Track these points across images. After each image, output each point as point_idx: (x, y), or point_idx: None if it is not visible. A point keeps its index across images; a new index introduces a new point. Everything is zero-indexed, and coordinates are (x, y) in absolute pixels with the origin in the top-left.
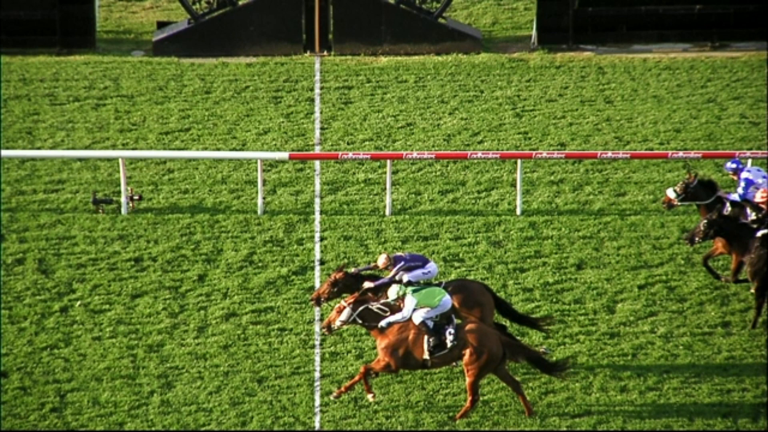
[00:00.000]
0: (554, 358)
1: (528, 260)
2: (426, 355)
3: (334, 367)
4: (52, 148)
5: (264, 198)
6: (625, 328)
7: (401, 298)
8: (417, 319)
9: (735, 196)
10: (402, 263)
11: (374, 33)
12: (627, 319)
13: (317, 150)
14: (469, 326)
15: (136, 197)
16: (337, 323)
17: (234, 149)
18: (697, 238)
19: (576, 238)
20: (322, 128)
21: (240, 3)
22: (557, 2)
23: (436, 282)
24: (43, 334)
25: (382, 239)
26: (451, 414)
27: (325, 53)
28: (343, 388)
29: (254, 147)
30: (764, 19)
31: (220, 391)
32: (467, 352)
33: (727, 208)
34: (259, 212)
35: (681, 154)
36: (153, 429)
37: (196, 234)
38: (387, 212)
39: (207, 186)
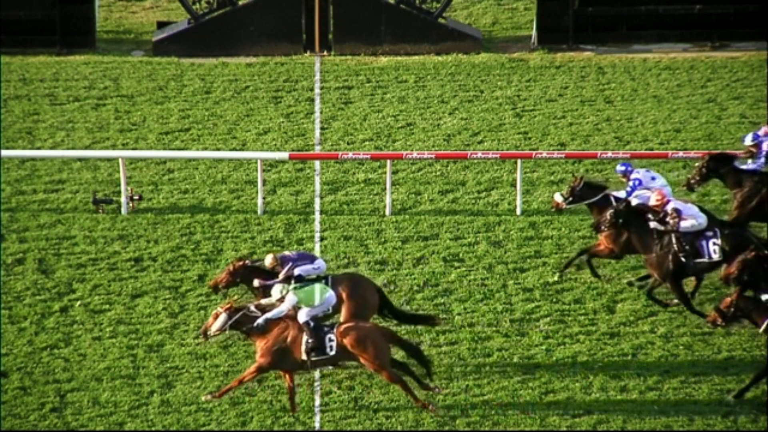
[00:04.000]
0: (554, 358)
1: (528, 260)
2: (304, 356)
3: (334, 368)
4: (52, 148)
5: (264, 198)
6: (625, 328)
7: (284, 297)
8: (302, 318)
9: (622, 194)
10: (290, 263)
11: (374, 33)
12: (627, 319)
13: (317, 150)
14: (343, 328)
15: (136, 197)
16: (213, 330)
17: (234, 149)
18: (603, 227)
19: (576, 238)
20: (322, 128)
21: (240, 3)
22: (557, 2)
23: (324, 276)
24: (43, 334)
25: (382, 239)
26: (451, 414)
27: (325, 53)
28: (221, 391)
29: (254, 147)
30: (764, 19)
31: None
32: (358, 357)
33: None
34: (259, 212)
35: (681, 154)
36: (153, 429)
37: (196, 234)
38: (387, 212)
39: (207, 186)
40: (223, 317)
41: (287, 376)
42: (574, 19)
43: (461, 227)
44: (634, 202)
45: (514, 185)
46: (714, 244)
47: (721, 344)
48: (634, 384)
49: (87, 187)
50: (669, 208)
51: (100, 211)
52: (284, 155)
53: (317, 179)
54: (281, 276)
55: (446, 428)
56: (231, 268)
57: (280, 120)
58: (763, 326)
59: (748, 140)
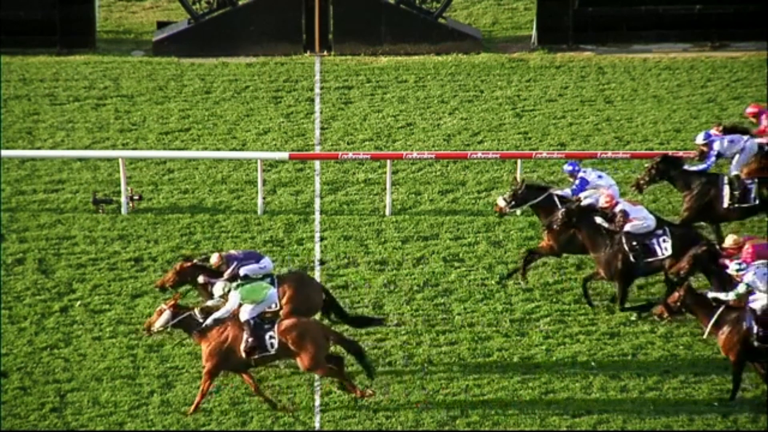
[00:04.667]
0: (554, 358)
1: None
2: (244, 355)
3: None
4: (52, 148)
5: (264, 198)
6: (625, 328)
7: (226, 294)
8: (243, 316)
9: (567, 192)
10: (236, 262)
11: (374, 33)
12: (627, 319)
13: (317, 150)
14: (285, 325)
15: (136, 197)
16: (156, 326)
17: (234, 149)
18: (555, 226)
19: None
20: (322, 128)
21: (240, 3)
22: (557, 2)
23: (269, 275)
24: (43, 334)
25: (382, 239)
26: (451, 414)
27: (325, 53)
28: (194, 407)
29: (254, 147)
30: (764, 19)
31: (220, 391)
32: (297, 354)
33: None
34: (259, 212)
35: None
36: (153, 429)
37: (196, 234)
38: (387, 212)
39: (207, 186)
40: (166, 314)
41: (245, 377)
42: (574, 19)
43: (461, 227)
44: (584, 201)
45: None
46: (664, 241)
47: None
48: (634, 384)
49: (87, 187)
50: (617, 209)
51: (100, 211)
52: (284, 155)
53: (317, 179)
54: (226, 275)
55: (446, 428)
56: (177, 267)
57: (280, 120)
58: (708, 327)
59: (700, 139)
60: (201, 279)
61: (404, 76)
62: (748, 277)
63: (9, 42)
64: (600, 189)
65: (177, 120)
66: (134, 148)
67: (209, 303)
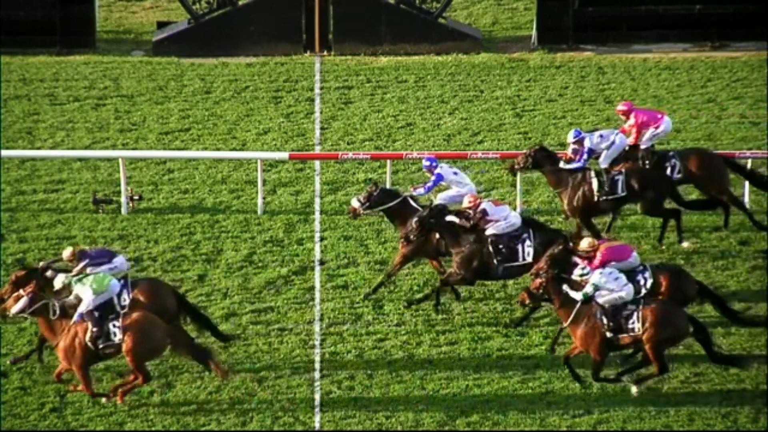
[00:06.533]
0: (554, 358)
1: None
2: (91, 346)
3: (334, 367)
4: (52, 148)
5: (264, 198)
6: None
7: (67, 287)
8: (85, 307)
9: (421, 191)
10: (87, 260)
11: (374, 33)
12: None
13: (317, 150)
14: (131, 317)
15: (136, 197)
16: (12, 311)
17: (234, 149)
18: (411, 236)
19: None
20: (322, 128)
21: (240, 3)
22: (557, 2)
23: (123, 277)
24: None
25: (382, 239)
26: (451, 414)
27: (325, 53)
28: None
29: (254, 147)
30: (764, 19)
31: (220, 391)
32: (128, 340)
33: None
34: (259, 212)
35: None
36: (153, 429)
37: (196, 234)
38: None
39: (207, 186)
40: (24, 300)
41: (66, 363)
42: (574, 19)
43: None
44: (437, 201)
45: (514, 185)
46: (528, 246)
47: (721, 344)
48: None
49: (87, 187)
50: (479, 209)
51: (100, 211)
52: (284, 155)
53: (317, 179)
54: (74, 271)
55: (446, 428)
56: (13, 277)
57: (280, 120)
58: (569, 320)
59: (570, 137)
60: (49, 273)
61: (404, 76)
62: (595, 278)
63: (9, 42)
64: (453, 186)
65: (177, 120)
66: (134, 148)
67: (66, 300)
